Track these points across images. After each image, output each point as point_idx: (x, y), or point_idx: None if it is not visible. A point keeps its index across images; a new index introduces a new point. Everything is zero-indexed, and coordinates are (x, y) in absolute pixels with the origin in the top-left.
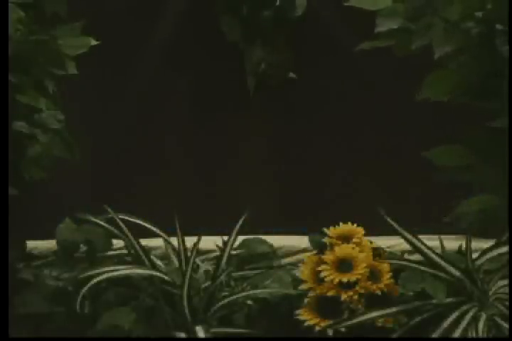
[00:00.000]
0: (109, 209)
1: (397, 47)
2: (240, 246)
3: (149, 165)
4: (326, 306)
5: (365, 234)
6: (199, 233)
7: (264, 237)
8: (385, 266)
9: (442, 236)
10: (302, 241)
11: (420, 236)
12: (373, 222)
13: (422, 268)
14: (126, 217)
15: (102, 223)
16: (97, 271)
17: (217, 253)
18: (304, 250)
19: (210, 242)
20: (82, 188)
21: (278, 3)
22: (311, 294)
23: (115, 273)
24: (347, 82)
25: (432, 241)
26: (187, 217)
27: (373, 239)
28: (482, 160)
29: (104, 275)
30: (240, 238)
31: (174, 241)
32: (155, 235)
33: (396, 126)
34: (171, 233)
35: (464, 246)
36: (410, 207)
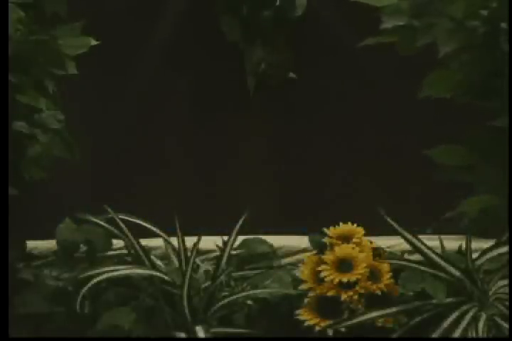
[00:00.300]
0: (109, 209)
1: (401, 45)
2: (240, 246)
3: (149, 165)
4: (326, 306)
5: (365, 234)
6: (199, 233)
7: (264, 237)
8: (385, 266)
9: (442, 236)
10: (302, 241)
11: (420, 236)
12: (373, 221)
13: (422, 268)
14: (126, 217)
15: (102, 223)
16: (97, 271)
17: (217, 253)
18: (304, 250)
19: (210, 242)
20: (82, 188)
21: (278, 3)
22: (311, 294)
23: (115, 273)
24: (347, 81)
25: (432, 241)
26: (187, 217)
27: (373, 239)
28: (483, 160)
29: (104, 276)
30: (240, 238)
31: (174, 241)
32: (155, 235)
33: (396, 126)
34: (171, 233)
35: (464, 246)
36: (411, 207)
